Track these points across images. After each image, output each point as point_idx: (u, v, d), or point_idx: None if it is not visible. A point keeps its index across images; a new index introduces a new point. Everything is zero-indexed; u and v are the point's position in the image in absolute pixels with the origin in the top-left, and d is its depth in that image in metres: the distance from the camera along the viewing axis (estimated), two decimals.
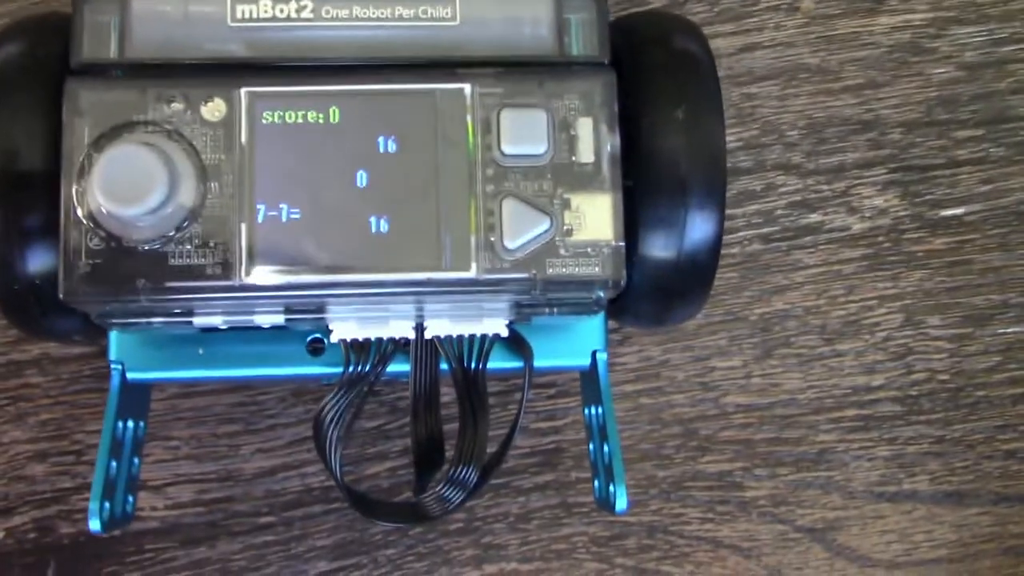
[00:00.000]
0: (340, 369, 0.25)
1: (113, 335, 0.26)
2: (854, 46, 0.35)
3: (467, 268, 0.22)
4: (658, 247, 0.23)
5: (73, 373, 0.32)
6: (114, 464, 0.26)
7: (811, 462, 0.33)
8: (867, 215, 0.34)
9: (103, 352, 0.27)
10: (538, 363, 0.26)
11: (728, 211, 0.33)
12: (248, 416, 0.32)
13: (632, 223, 0.23)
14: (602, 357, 0.27)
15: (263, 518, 0.32)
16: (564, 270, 0.22)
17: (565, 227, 0.22)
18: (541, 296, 0.23)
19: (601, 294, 0.23)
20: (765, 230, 0.34)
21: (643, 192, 0.23)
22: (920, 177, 0.34)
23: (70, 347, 0.31)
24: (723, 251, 0.27)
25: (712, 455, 0.33)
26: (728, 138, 0.33)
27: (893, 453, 0.33)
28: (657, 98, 0.23)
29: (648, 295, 0.24)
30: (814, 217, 0.34)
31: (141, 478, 0.30)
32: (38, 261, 0.22)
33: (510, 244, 0.22)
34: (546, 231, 0.22)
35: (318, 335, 0.26)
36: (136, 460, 0.27)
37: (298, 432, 0.32)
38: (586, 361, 0.27)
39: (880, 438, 0.33)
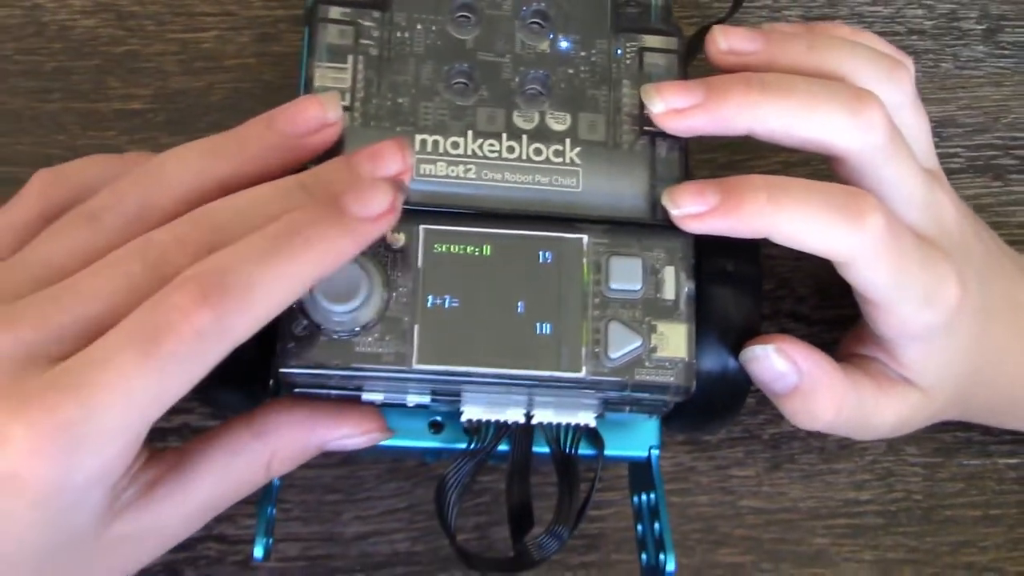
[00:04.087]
0: (455, 446, 0.32)
1: None
2: None
3: (579, 370, 0.29)
4: (709, 366, 0.31)
5: None
6: (270, 509, 0.32)
7: (808, 559, 0.38)
8: None
9: None
10: (607, 452, 0.33)
11: None
12: (349, 487, 0.38)
13: None
14: (656, 452, 0.34)
15: (356, 575, 0.38)
16: (648, 377, 0.29)
17: (651, 345, 0.30)
18: (628, 396, 0.30)
19: (672, 397, 0.30)
20: None
21: (700, 323, 0.31)
22: None
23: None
24: None
25: (727, 548, 0.38)
26: None
27: (876, 558, 0.39)
28: (717, 255, 0.31)
29: (695, 406, 0.31)
30: None
31: None
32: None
33: (611, 355, 0.29)
34: (638, 347, 0.30)
35: (439, 418, 0.33)
36: (272, 510, 0.34)
37: (390, 504, 0.38)
38: (644, 453, 0.34)
39: (865, 544, 0.39)
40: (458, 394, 0.30)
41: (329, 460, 0.38)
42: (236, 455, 0.29)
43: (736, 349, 0.31)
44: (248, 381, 0.30)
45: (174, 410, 0.35)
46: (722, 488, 0.39)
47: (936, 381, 0.34)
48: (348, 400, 0.30)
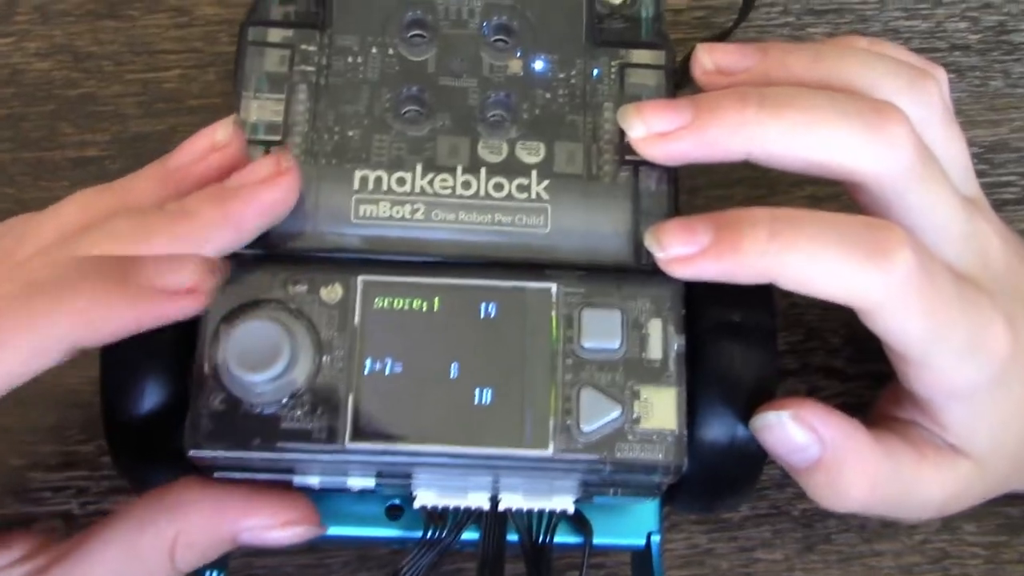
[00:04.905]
0: (416, 534, 0.27)
1: None
2: None
3: (545, 446, 0.24)
4: (713, 435, 0.26)
5: None
6: None
7: None
8: None
9: None
10: (597, 541, 0.29)
11: None
12: None
13: (690, 410, 0.26)
14: (656, 539, 0.29)
15: None
16: (631, 454, 0.25)
17: (634, 415, 0.25)
18: (608, 477, 0.25)
19: (662, 478, 0.25)
20: None
21: (701, 385, 0.26)
22: None
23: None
24: None
25: None
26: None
27: None
28: (719, 302, 0.26)
29: (700, 482, 0.27)
30: None
31: None
32: (157, 412, 0.25)
33: (585, 427, 0.25)
34: (616, 418, 0.25)
35: (397, 501, 0.28)
36: None
37: None
38: (641, 541, 0.29)
39: None
40: (408, 476, 0.25)
41: (294, 546, 0.34)
42: (140, 532, 0.25)
43: (747, 414, 0.27)
44: (175, 459, 0.26)
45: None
46: (746, 574, 0.35)
47: (990, 447, 0.29)
48: (279, 484, 0.26)
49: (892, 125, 0.25)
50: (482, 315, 0.25)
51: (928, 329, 0.26)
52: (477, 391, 0.25)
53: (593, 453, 0.25)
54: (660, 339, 0.25)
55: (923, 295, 0.25)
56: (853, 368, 0.37)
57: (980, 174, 0.31)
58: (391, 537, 0.29)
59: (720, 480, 0.27)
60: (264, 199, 0.25)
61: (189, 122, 0.39)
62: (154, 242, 0.24)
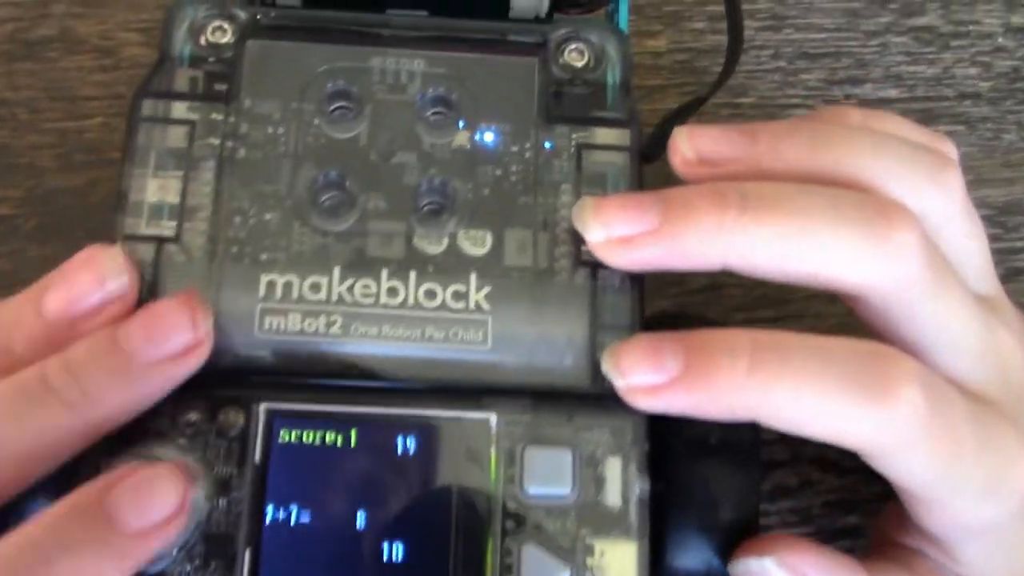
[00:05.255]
0: None
1: None
2: None
3: None
4: (689, 561, 0.22)
5: None
6: None
7: None
8: None
9: None
10: None
11: (762, 507, 0.32)
12: None
13: (661, 532, 0.22)
14: None
15: None
16: None
17: (586, 574, 0.21)
18: None
19: None
20: (799, 530, 0.32)
21: (675, 503, 0.22)
22: None
23: None
24: None
25: None
26: (765, 430, 0.33)
27: None
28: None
29: None
30: (852, 519, 0.32)
31: None
32: None
33: None
34: None
35: None
36: None
37: None
38: None
39: None
40: None
41: None
42: None
43: (725, 549, 0.23)
44: None
45: None
46: None
47: None
48: None
49: (900, 232, 0.21)
50: (400, 451, 0.21)
51: (940, 472, 0.22)
52: (388, 546, 0.21)
53: None
54: (619, 482, 0.22)
55: (933, 437, 0.21)
56: (851, 461, 0.32)
57: (992, 239, 0.27)
58: None
59: None
60: (175, 377, 0.21)
61: (110, 176, 0.35)
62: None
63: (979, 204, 0.27)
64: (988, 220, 0.34)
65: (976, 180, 0.35)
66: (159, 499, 0.20)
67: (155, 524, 0.19)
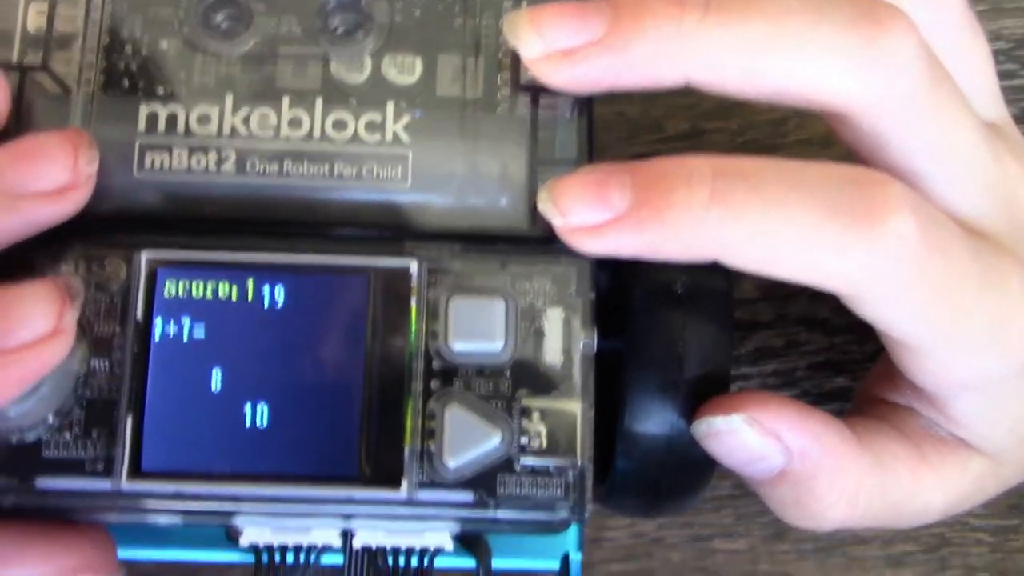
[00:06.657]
0: None
1: None
2: None
3: (396, 486, 0.18)
4: (646, 430, 0.20)
5: None
6: None
7: None
8: None
9: None
10: (498, 564, 0.23)
11: (743, 370, 0.29)
12: None
13: (620, 394, 0.20)
14: (576, 558, 0.24)
15: None
16: (518, 491, 0.19)
17: (522, 440, 0.19)
18: (489, 520, 0.19)
19: (561, 521, 0.19)
20: (784, 393, 0.30)
21: (634, 360, 0.20)
22: None
23: None
24: None
25: None
26: (748, 288, 0.30)
27: None
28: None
29: (635, 483, 0.21)
30: (840, 381, 0.30)
31: None
32: None
33: (451, 462, 0.18)
34: (495, 447, 0.19)
35: None
36: None
37: None
38: (555, 564, 0.23)
39: None
40: (229, 515, 0.19)
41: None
42: None
43: (692, 407, 0.21)
44: None
45: None
46: (701, 568, 0.30)
47: (1010, 440, 0.23)
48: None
49: (892, 36, 0.18)
50: (302, 305, 0.19)
51: (933, 318, 0.19)
52: (305, 411, 0.18)
53: (464, 492, 0.19)
54: (560, 336, 0.19)
55: (926, 274, 0.18)
56: (842, 318, 0.30)
57: (1008, 75, 0.24)
58: (232, 563, 0.23)
59: (657, 485, 0.22)
60: (37, 220, 0.18)
61: None
62: None
63: (994, 36, 0.24)
64: (1004, 54, 0.31)
65: (992, 9, 0.31)
66: (31, 318, 0.17)
67: (25, 344, 0.17)
